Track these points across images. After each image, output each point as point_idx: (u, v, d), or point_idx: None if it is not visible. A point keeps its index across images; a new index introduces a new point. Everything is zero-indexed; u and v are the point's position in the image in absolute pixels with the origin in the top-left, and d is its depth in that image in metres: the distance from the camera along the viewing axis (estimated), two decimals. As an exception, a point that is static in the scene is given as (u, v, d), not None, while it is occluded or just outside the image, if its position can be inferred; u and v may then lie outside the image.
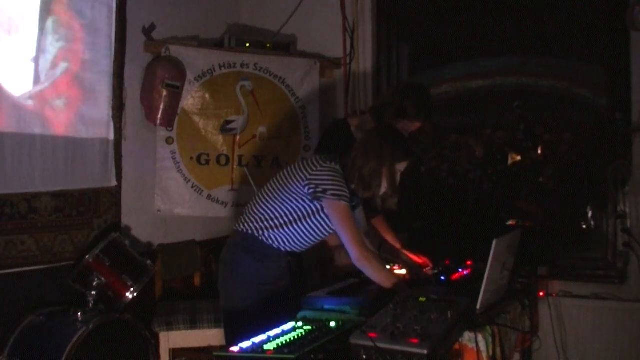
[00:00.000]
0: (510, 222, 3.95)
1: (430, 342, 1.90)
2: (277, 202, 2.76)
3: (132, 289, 3.39)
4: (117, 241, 3.51)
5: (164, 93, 3.99)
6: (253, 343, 2.01)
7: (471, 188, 4.30)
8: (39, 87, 3.41)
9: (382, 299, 2.46)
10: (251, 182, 4.30)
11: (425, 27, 4.59)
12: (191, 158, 4.26)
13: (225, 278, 2.85)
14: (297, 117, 4.49)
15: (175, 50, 4.12)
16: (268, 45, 4.48)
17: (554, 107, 4.14)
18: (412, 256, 3.33)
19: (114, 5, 3.77)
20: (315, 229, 2.78)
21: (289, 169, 2.82)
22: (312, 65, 4.50)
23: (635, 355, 3.75)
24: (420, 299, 2.32)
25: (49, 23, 3.44)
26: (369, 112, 3.42)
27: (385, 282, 2.66)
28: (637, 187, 3.82)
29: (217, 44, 4.41)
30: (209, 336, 3.65)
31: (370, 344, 1.92)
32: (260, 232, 2.77)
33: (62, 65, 3.51)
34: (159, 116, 4.03)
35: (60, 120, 3.51)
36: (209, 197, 4.32)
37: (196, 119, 4.26)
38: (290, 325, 2.20)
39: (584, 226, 4.08)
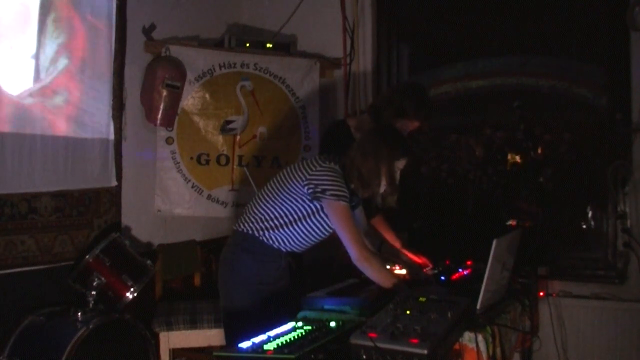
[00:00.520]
0: (510, 222, 3.95)
1: (430, 342, 1.90)
2: (276, 202, 2.76)
3: (132, 289, 3.39)
4: (117, 241, 3.51)
5: (164, 93, 3.99)
6: (253, 343, 2.01)
7: (471, 188, 4.30)
8: (39, 85, 3.41)
9: (382, 299, 2.46)
10: (251, 182, 4.30)
11: (425, 27, 4.59)
12: (191, 158, 4.26)
13: (225, 278, 2.85)
14: (297, 117, 4.49)
15: (175, 50, 4.13)
16: (268, 45, 4.48)
17: (554, 107, 4.14)
18: (411, 256, 3.33)
19: (114, 5, 3.77)
20: (315, 229, 2.78)
21: (288, 169, 2.82)
22: (312, 65, 4.51)
23: (635, 355, 3.75)
24: (420, 299, 2.32)
25: (49, 19, 3.44)
26: (367, 111, 3.42)
27: (385, 282, 2.66)
28: (637, 187, 3.82)
29: (217, 44, 4.41)
30: (209, 336, 3.65)
31: (370, 344, 1.92)
32: (260, 233, 2.77)
33: (63, 62, 3.51)
34: (159, 116, 4.03)
35: (60, 120, 3.51)
36: (209, 197, 4.32)
37: (196, 119, 4.26)
38: (290, 325, 2.20)
39: (584, 226, 4.08)
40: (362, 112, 4.34)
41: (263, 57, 4.40)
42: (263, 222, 2.77)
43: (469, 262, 3.17)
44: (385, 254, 3.28)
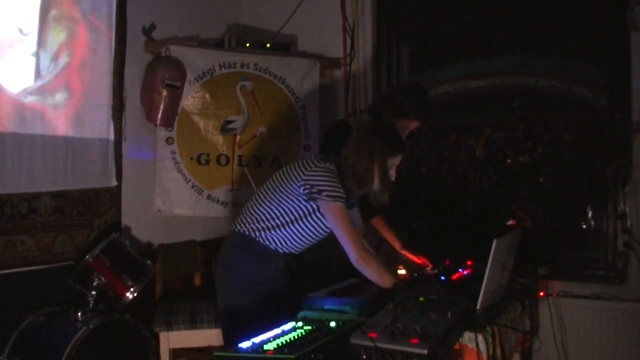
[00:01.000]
0: (510, 222, 3.95)
1: (430, 342, 1.90)
2: (273, 202, 2.75)
3: (132, 289, 3.39)
4: (117, 241, 3.51)
5: (164, 93, 3.99)
6: (253, 343, 2.01)
7: (471, 188, 4.30)
8: (40, 82, 3.41)
9: (382, 299, 2.46)
10: (251, 182, 4.30)
11: (425, 27, 4.58)
12: (191, 158, 4.26)
13: (223, 279, 2.85)
14: (297, 117, 4.49)
15: (175, 50, 4.13)
16: (268, 45, 4.48)
17: (554, 107, 4.14)
18: (411, 256, 3.32)
19: (114, 5, 3.77)
20: (312, 230, 2.77)
21: (285, 169, 2.81)
22: (312, 65, 4.51)
23: (635, 355, 3.75)
24: (420, 299, 2.32)
25: (50, 17, 3.44)
26: (367, 111, 3.42)
27: (385, 283, 2.65)
28: (637, 187, 3.82)
29: (217, 44, 4.41)
30: (209, 336, 3.65)
31: (370, 344, 1.92)
32: (257, 233, 2.77)
33: (63, 60, 3.51)
34: (159, 116, 4.03)
35: (60, 120, 3.51)
36: (209, 197, 4.32)
37: (196, 119, 4.26)
38: (290, 325, 2.20)
39: (584, 226, 4.08)
40: (362, 112, 4.34)
41: (263, 57, 4.40)
42: (260, 223, 2.76)
43: (469, 262, 3.16)
44: (383, 254, 3.28)
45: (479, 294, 2.41)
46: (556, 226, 4.09)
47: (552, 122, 4.13)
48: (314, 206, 2.71)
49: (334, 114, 4.58)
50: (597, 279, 3.97)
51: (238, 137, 4.34)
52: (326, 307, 2.53)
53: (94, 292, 3.27)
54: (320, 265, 3.32)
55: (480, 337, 2.31)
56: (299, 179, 2.70)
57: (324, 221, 2.74)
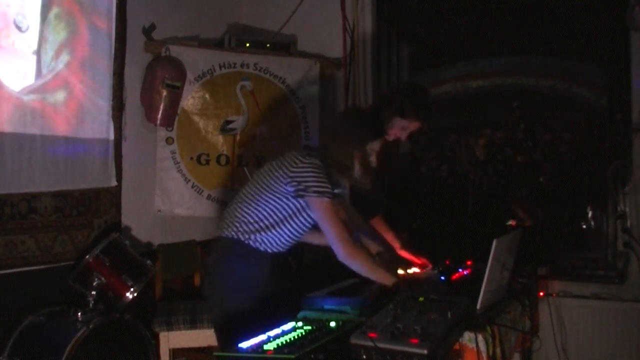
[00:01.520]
0: (510, 222, 3.95)
1: (430, 342, 1.90)
2: (260, 203, 2.69)
3: (132, 289, 3.39)
4: (117, 241, 3.51)
5: (164, 93, 3.99)
6: (253, 343, 2.01)
7: (471, 188, 4.30)
8: (41, 81, 3.41)
9: (382, 299, 2.46)
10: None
11: (425, 27, 4.58)
12: (191, 158, 4.26)
13: (215, 285, 2.77)
14: (297, 117, 4.49)
15: (175, 50, 4.13)
16: (268, 45, 4.48)
17: (554, 107, 4.14)
18: (411, 256, 3.32)
19: (114, 5, 3.77)
20: (302, 227, 2.74)
21: (267, 167, 2.75)
22: (312, 65, 4.50)
23: (635, 355, 3.75)
24: (420, 299, 2.32)
25: (52, 15, 3.44)
26: (367, 110, 3.41)
27: (383, 279, 2.64)
28: (637, 187, 3.82)
29: (217, 44, 4.41)
30: (209, 336, 3.64)
31: (370, 344, 1.92)
32: (246, 236, 2.70)
33: (64, 59, 3.51)
34: (159, 116, 4.03)
35: (61, 119, 3.51)
36: (209, 197, 4.32)
37: (196, 119, 4.26)
38: (290, 325, 2.20)
39: (584, 226, 4.08)
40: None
41: (263, 57, 4.40)
42: (248, 225, 2.70)
43: (469, 262, 3.16)
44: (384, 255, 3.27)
45: (479, 294, 2.41)
46: (556, 226, 4.09)
47: (552, 122, 4.13)
48: (303, 203, 2.67)
49: (334, 114, 4.57)
50: (597, 279, 3.97)
51: (238, 137, 4.34)
52: (326, 307, 2.52)
53: (94, 292, 3.27)
54: (320, 265, 3.32)
55: (480, 337, 2.31)
56: (286, 176, 2.65)
57: (308, 225, 2.72)
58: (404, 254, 3.34)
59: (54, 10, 3.45)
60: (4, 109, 3.21)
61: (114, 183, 3.86)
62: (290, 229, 2.73)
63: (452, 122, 4.44)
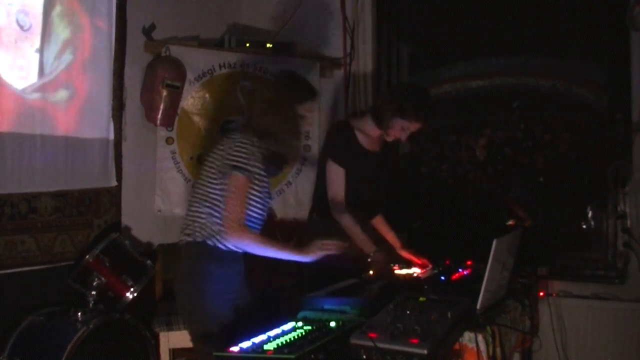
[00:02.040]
0: (510, 222, 3.95)
1: (430, 342, 1.90)
2: (215, 200, 2.62)
3: (132, 289, 3.39)
4: (117, 241, 3.52)
5: (164, 93, 3.99)
6: (253, 343, 2.01)
7: (471, 188, 4.30)
8: (43, 80, 3.41)
9: (382, 299, 2.46)
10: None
11: (425, 27, 4.58)
12: (191, 158, 4.26)
13: (189, 296, 2.68)
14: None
15: (175, 50, 4.12)
16: (268, 45, 4.48)
17: (554, 107, 4.14)
18: (411, 256, 3.32)
19: (114, 5, 3.78)
20: (260, 211, 2.68)
21: (208, 163, 2.68)
22: (312, 65, 4.50)
23: (635, 355, 3.75)
24: (421, 299, 2.32)
25: (54, 13, 3.44)
26: (369, 111, 3.42)
27: (279, 252, 2.60)
28: (637, 187, 3.82)
29: (217, 44, 4.41)
30: (209, 336, 3.65)
31: (370, 344, 1.92)
32: (212, 239, 2.63)
33: (67, 57, 3.52)
34: (159, 116, 4.03)
35: (61, 119, 3.51)
36: (209, 197, 4.31)
37: (196, 119, 4.26)
38: (290, 325, 2.20)
39: (584, 226, 4.08)
40: (363, 112, 4.34)
41: (263, 57, 4.40)
42: (210, 227, 2.62)
43: (469, 262, 3.16)
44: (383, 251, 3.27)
45: (479, 294, 2.41)
46: (556, 226, 4.09)
47: (552, 122, 4.13)
48: (252, 184, 2.60)
49: (334, 114, 4.57)
50: (597, 279, 3.97)
51: (238, 137, 4.33)
52: (326, 307, 2.52)
53: (94, 292, 3.27)
54: (320, 266, 3.32)
55: (480, 337, 2.31)
56: (223, 159, 2.60)
57: (268, 199, 2.68)
58: (405, 254, 3.35)
59: (57, 9, 3.45)
60: (7, 108, 3.21)
61: (114, 183, 3.86)
62: (251, 218, 2.65)
63: (452, 122, 4.44)
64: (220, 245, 2.64)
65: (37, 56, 3.39)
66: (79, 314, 3.12)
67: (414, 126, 3.21)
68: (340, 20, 4.46)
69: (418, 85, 3.59)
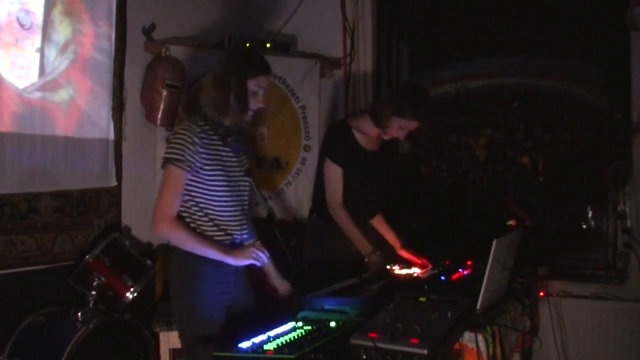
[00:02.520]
0: (510, 222, 3.95)
1: (430, 342, 1.90)
2: (186, 197, 2.55)
3: (132, 289, 3.39)
4: (117, 241, 3.51)
5: (164, 93, 3.98)
6: (253, 343, 2.01)
7: (471, 188, 4.31)
8: (45, 79, 3.41)
9: (382, 299, 2.46)
10: (255, 188, 4.29)
11: (425, 27, 4.59)
12: (191, 158, 4.25)
13: (185, 294, 2.60)
14: (297, 117, 4.48)
15: (175, 50, 4.12)
16: (268, 45, 4.48)
17: (554, 107, 4.15)
18: (411, 256, 3.32)
19: (114, 5, 3.78)
20: (229, 192, 2.61)
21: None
22: (312, 65, 4.50)
23: (636, 355, 3.75)
24: (421, 299, 2.32)
25: (55, 12, 3.44)
26: (368, 111, 3.42)
27: (206, 249, 2.52)
28: (637, 187, 3.83)
29: (217, 44, 4.40)
30: (209, 336, 3.65)
31: (370, 344, 1.92)
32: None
33: (68, 56, 3.51)
34: (159, 116, 4.02)
35: (62, 118, 3.51)
36: (209, 197, 4.31)
37: (196, 119, 4.25)
38: (290, 325, 2.20)
39: (584, 226, 4.08)
40: (362, 112, 4.34)
41: (263, 57, 4.39)
42: (189, 221, 2.56)
43: (469, 262, 3.17)
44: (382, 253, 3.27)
45: (479, 294, 2.41)
46: (556, 226, 4.10)
47: (552, 122, 4.13)
48: (205, 171, 2.53)
49: (334, 114, 4.57)
50: (597, 279, 3.97)
51: (238, 137, 4.33)
52: (326, 307, 2.52)
53: (94, 292, 3.27)
54: (320, 265, 3.32)
55: (480, 337, 2.31)
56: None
57: (240, 179, 2.64)
58: (405, 254, 3.35)
59: (58, 8, 3.45)
60: (7, 107, 3.21)
61: (114, 183, 3.86)
62: (214, 197, 2.58)
63: (452, 122, 4.45)
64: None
65: (37, 55, 3.39)
66: (79, 314, 3.12)
67: (412, 125, 3.21)
68: (340, 20, 4.46)
69: (417, 85, 3.59)
